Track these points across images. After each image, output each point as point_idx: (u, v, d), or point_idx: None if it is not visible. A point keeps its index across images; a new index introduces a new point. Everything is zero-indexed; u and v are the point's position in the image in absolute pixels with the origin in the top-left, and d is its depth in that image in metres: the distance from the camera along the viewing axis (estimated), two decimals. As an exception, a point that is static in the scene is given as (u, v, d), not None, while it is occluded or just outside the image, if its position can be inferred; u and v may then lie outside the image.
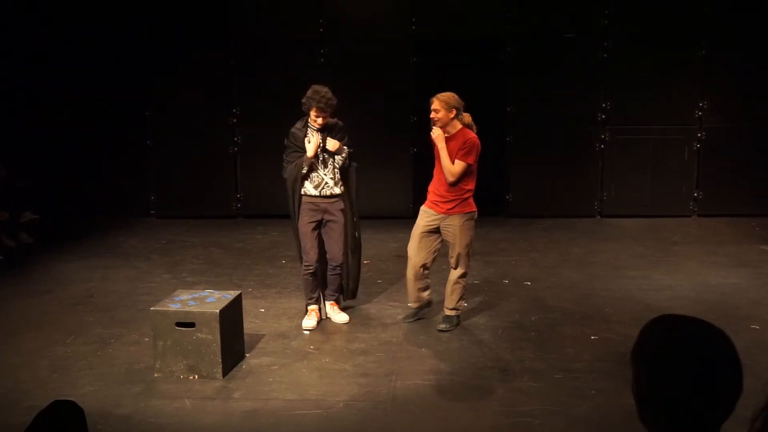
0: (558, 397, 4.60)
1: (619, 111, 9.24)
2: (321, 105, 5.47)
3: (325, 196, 5.68)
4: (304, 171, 5.61)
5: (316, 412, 4.45)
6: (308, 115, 5.59)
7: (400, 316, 6.03)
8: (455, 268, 5.63)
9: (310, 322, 5.82)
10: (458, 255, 5.56)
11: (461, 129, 5.44)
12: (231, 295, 5.18)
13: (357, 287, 6.18)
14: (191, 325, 4.89)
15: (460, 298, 5.71)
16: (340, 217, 5.74)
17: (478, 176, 5.68)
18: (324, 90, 5.53)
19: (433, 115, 5.40)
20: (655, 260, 7.50)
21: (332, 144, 5.61)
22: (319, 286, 5.91)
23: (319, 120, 5.54)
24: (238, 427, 4.30)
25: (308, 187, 5.67)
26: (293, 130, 5.69)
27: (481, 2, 9.24)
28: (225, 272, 7.34)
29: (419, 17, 9.19)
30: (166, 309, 4.95)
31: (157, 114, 9.49)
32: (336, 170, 5.72)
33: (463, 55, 9.46)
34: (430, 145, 5.64)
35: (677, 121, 9.24)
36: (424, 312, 5.97)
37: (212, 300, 5.05)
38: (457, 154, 5.38)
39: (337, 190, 5.72)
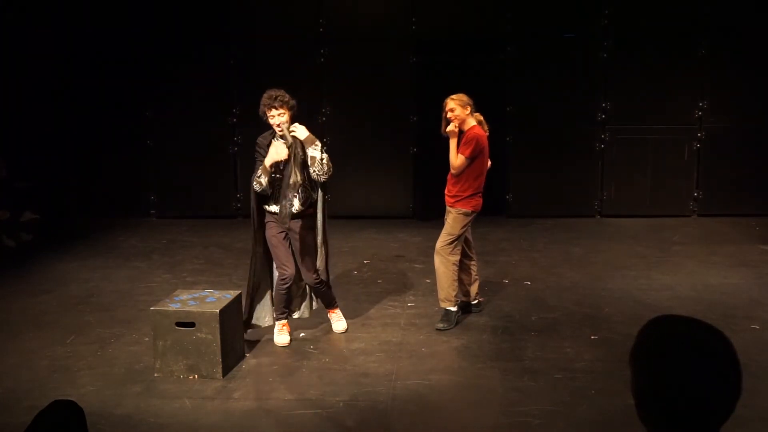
0: (558, 397, 4.60)
1: (619, 111, 9.24)
2: (272, 103, 5.04)
3: (294, 215, 5.24)
4: (262, 181, 5.15)
5: (316, 412, 4.45)
6: (269, 123, 5.17)
7: (401, 316, 6.03)
8: (436, 253, 5.74)
9: (282, 338, 5.47)
10: (439, 240, 5.70)
11: (472, 126, 5.60)
12: (231, 295, 5.18)
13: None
14: (191, 325, 4.89)
15: (448, 289, 5.71)
16: (309, 235, 5.34)
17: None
18: (278, 92, 5.11)
19: (450, 115, 5.57)
20: (655, 260, 7.50)
21: (301, 132, 5.14)
22: (292, 300, 5.59)
23: (276, 120, 5.07)
24: (238, 427, 4.30)
25: (271, 206, 5.32)
26: (259, 140, 5.31)
27: (481, 2, 9.24)
28: (225, 272, 7.34)
29: (419, 17, 9.19)
30: (166, 309, 4.95)
31: (157, 114, 9.50)
32: (305, 186, 5.24)
33: (463, 55, 9.46)
34: (441, 144, 5.73)
35: (677, 121, 9.24)
36: (470, 309, 6.03)
37: (212, 300, 5.05)
38: (460, 148, 5.58)
39: (301, 208, 5.25)
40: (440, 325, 5.72)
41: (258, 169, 5.25)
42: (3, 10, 8.85)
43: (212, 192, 9.63)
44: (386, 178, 9.45)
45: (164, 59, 9.35)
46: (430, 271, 7.12)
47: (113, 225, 9.22)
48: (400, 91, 9.29)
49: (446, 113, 5.58)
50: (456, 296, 5.80)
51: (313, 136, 5.23)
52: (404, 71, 9.27)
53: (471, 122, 5.60)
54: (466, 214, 5.63)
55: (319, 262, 5.41)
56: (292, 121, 5.21)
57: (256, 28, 9.32)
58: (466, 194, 5.60)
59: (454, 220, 5.66)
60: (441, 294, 5.76)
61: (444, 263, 5.68)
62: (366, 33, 9.26)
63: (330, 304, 5.71)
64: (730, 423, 1.48)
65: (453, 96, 5.61)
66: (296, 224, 5.30)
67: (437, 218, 8.57)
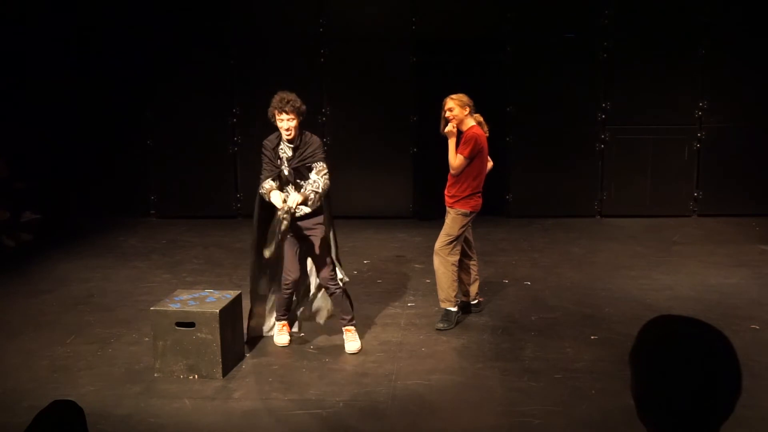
0: (558, 397, 4.60)
1: (619, 111, 9.24)
2: (284, 107, 4.98)
3: (297, 218, 5.18)
4: (265, 197, 5.14)
5: (316, 412, 4.45)
6: (276, 125, 5.11)
7: (401, 316, 6.03)
8: (435, 254, 5.75)
9: (281, 338, 5.48)
10: (438, 241, 5.71)
11: (471, 126, 5.60)
12: (231, 295, 5.18)
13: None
14: (191, 325, 4.89)
15: (448, 289, 5.71)
16: (318, 231, 5.23)
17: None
18: (289, 96, 5.03)
19: (448, 114, 5.58)
20: (655, 260, 7.50)
21: (293, 200, 4.98)
22: (292, 304, 5.54)
23: (284, 124, 5.02)
24: (238, 427, 4.30)
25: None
26: (265, 142, 5.24)
27: (481, 2, 9.24)
28: (225, 272, 7.34)
29: (419, 17, 9.19)
30: (166, 309, 4.95)
31: (157, 114, 9.50)
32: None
33: (463, 55, 9.46)
34: (441, 144, 5.73)
35: (677, 121, 9.24)
36: (471, 309, 6.02)
37: (212, 300, 5.05)
38: (458, 147, 5.58)
39: (308, 210, 5.19)
40: (440, 325, 5.73)
41: (264, 177, 5.21)
42: (3, 10, 8.85)
43: (212, 192, 9.63)
44: (386, 178, 9.44)
45: (164, 59, 9.35)
46: (430, 271, 7.12)
47: (113, 225, 9.22)
48: (400, 91, 9.29)
49: (445, 113, 5.59)
50: (456, 296, 5.81)
51: (305, 193, 5.02)
52: (404, 71, 9.27)
53: (470, 122, 5.60)
54: (465, 215, 5.63)
55: (334, 253, 5.33)
56: (300, 125, 5.12)
57: (256, 28, 9.32)
58: (465, 194, 5.60)
59: (452, 221, 5.66)
60: (441, 294, 5.76)
61: (443, 263, 5.68)
62: (366, 33, 9.26)
63: (346, 313, 5.42)
64: (730, 423, 1.48)
65: (452, 96, 5.61)
66: (306, 223, 5.25)
67: (437, 218, 8.55)
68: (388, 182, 9.46)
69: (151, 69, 9.36)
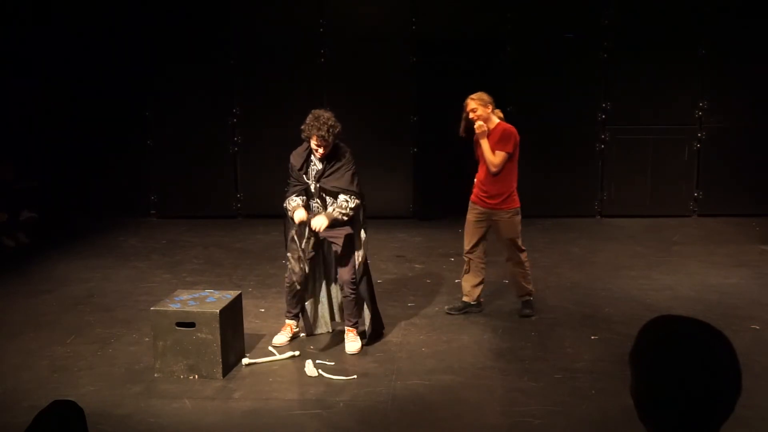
0: (558, 397, 4.60)
1: (619, 111, 9.24)
2: (322, 133, 4.93)
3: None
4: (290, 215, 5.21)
5: (316, 412, 4.45)
6: (308, 141, 5.11)
7: (401, 316, 6.03)
8: (508, 260, 5.87)
9: (280, 337, 5.46)
10: (509, 248, 5.80)
11: (498, 123, 5.64)
12: (231, 295, 5.18)
13: (376, 324, 5.49)
14: (191, 325, 4.89)
15: (525, 285, 5.87)
16: (341, 238, 5.19)
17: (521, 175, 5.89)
18: (326, 116, 4.98)
19: (472, 115, 5.60)
20: (655, 260, 7.50)
21: (318, 224, 5.04)
22: (301, 302, 5.49)
23: (321, 150, 5.05)
24: (238, 427, 4.30)
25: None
26: (292, 157, 5.25)
27: (481, 2, 9.24)
28: (225, 272, 7.34)
29: (419, 17, 9.19)
30: (166, 309, 4.95)
31: (157, 114, 9.50)
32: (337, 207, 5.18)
33: (463, 55, 9.46)
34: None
35: (677, 121, 9.24)
36: (471, 309, 6.02)
37: (212, 300, 5.05)
38: (496, 145, 5.61)
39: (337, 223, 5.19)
40: (526, 311, 5.88)
41: (288, 193, 5.26)
42: (3, 10, 8.85)
43: (212, 192, 9.63)
44: (386, 178, 9.43)
45: (164, 59, 9.35)
46: (430, 271, 7.14)
47: (113, 225, 9.22)
48: (400, 91, 9.28)
49: (467, 114, 5.58)
50: (531, 287, 5.92)
51: (331, 215, 5.10)
52: (404, 71, 9.27)
53: (494, 120, 5.64)
54: (517, 212, 5.71)
55: (359, 259, 5.31)
56: (334, 141, 5.11)
57: (257, 28, 9.32)
58: (510, 190, 5.69)
59: (511, 224, 5.70)
60: (522, 291, 5.91)
61: (519, 265, 5.82)
62: (366, 33, 9.26)
63: (352, 316, 5.39)
64: (730, 423, 1.48)
65: (473, 96, 5.63)
66: (332, 231, 5.20)
67: (437, 218, 8.57)
68: (388, 182, 9.44)
69: (152, 69, 9.36)
